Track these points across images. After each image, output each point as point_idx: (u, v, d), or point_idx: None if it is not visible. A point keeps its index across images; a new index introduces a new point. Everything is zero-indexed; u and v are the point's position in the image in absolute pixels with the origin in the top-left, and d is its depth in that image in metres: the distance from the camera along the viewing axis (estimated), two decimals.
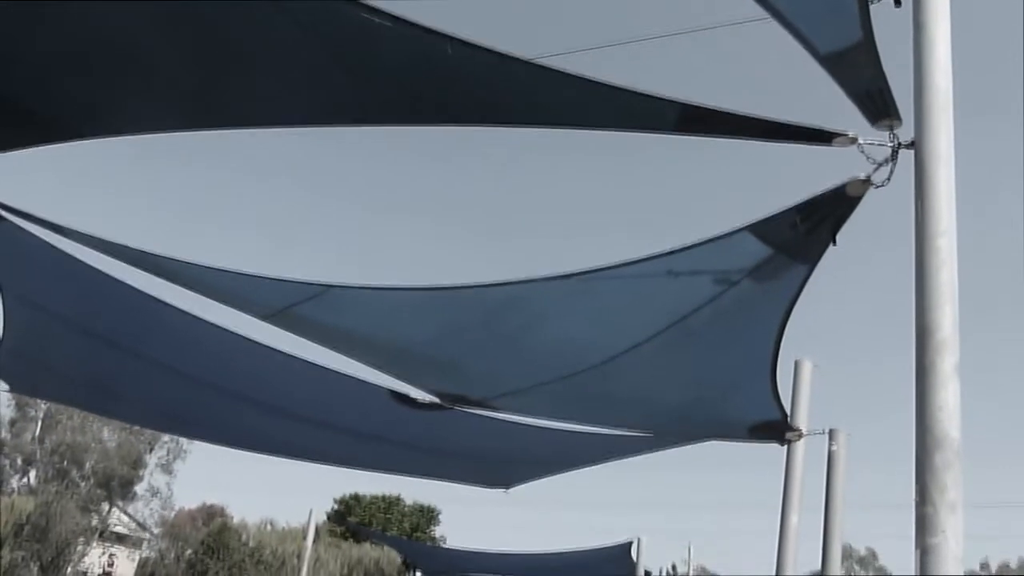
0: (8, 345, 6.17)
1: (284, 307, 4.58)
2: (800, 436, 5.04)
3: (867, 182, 2.93)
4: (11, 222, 4.27)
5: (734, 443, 5.79)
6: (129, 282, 4.90)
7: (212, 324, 5.31)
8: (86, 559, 31.59)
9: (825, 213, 3.20)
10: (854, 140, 2.80)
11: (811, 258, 3.47)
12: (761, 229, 3.39)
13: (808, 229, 3.28)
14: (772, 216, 3.31)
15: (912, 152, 2.48)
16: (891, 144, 2.72)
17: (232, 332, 5.38)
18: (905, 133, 2.65)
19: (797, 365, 5.19)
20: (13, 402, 29.70)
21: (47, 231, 4.30)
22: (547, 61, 2.65)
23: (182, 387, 6.71)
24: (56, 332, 6.18)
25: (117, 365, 6.49)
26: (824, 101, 3.08)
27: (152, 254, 4.25)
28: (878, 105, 2.67)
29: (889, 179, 2.82)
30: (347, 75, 2.96)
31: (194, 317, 5.23)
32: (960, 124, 2.43)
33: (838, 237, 3.28)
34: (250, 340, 5.44)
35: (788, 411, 4.92)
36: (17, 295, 5.44)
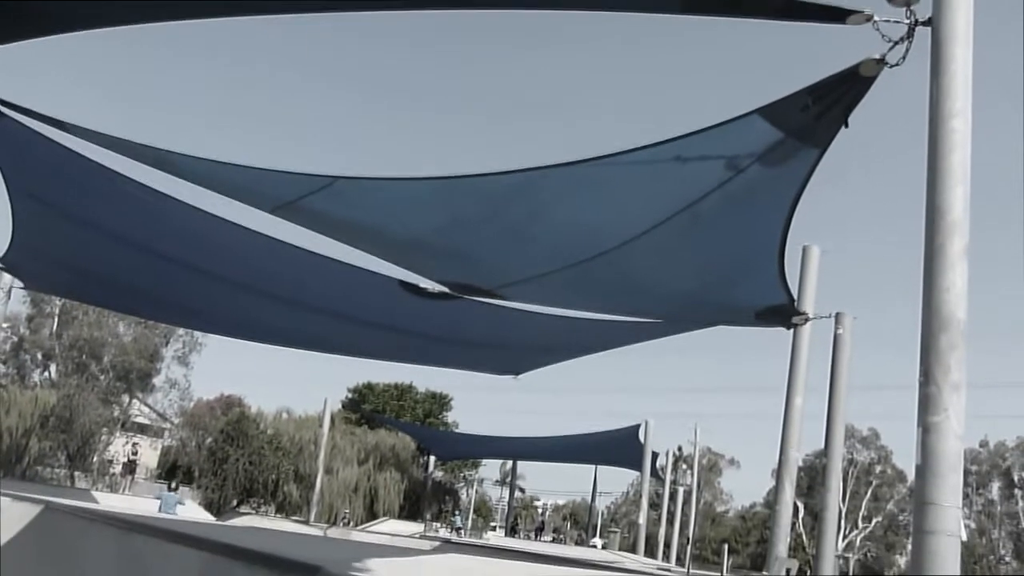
0: (19, 242, 6.21)
1: (292, 199, 4.57)
2: (806, 320, 5.09)
3: (881, 62, 2.86)
4: (12, 119, 4.23)
5: (741, 328, 5.86)
6: (136, 178, 4.89)
7: (221, 218, 5.32)
8: (111, 448, 32.56)
9: (838, 94, 3.13)
10: (869, 18, 2.71)
11: (822, 142, 3.42)
12: (771, 112, 3.32)
13: (819, 112, 3.22)
14: (783, 99, 3.25)
15: (928, 31, 2.42)
16: (907, 21, 2.64)
17: (241, 226, 5.39)
18: (922, 11, 2.57)
19: (805, 250, 5.21)
20: (29, 299, 30.04)
21: (50, 128, 4.26)
22: None
23: (192, 281, 6.78)
24: (65, 229, 6.21)
25: (128, 260, 6.54)
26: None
27: (157, 148, 4.22)
28: None
29: (904, 58, 2.75)
30: None
31: (203, 212, 5.24)
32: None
33: (850, 120, 3.23)
34: (259, 233, 5.46)
35: (795, 296, 4.96)
36: (24, 192, 5.43)
